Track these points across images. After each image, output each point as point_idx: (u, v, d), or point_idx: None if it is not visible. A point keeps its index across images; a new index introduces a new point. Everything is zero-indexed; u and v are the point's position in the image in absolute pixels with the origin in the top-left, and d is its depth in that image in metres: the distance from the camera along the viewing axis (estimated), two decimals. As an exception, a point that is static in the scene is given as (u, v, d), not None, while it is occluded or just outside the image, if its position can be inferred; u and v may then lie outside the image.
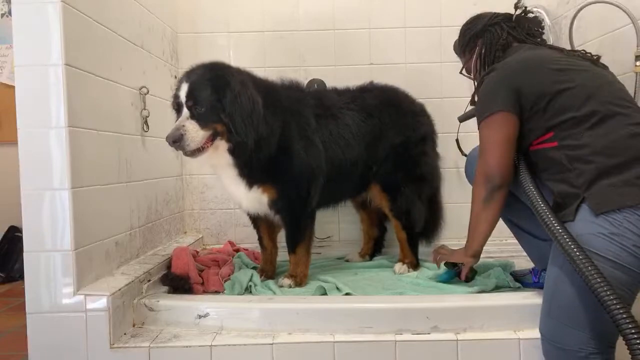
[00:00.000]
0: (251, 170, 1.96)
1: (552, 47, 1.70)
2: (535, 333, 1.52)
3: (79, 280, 1.61)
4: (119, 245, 1.91)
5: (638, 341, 1.17)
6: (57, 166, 1.58)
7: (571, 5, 2.53)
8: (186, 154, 1.83)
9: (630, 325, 1.19)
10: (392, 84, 2.76)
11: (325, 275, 2.15)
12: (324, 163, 2.09)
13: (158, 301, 1.77)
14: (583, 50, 1.70)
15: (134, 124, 2.11)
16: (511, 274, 2.04)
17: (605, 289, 1.23)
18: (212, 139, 1.84)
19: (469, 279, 1.91)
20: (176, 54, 2.76)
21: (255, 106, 1.83)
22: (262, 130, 1.85)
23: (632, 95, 2.03)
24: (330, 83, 2.76)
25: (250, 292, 1.98)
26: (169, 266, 2.10)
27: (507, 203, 1.80)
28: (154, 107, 2.28)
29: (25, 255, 1.60)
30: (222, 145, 1.87)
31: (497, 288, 1.95)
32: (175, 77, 2.71)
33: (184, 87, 1.84)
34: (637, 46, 2.01)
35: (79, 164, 1.64)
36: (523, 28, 1.75)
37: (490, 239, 2.25)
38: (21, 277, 1.82)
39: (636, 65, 2.02)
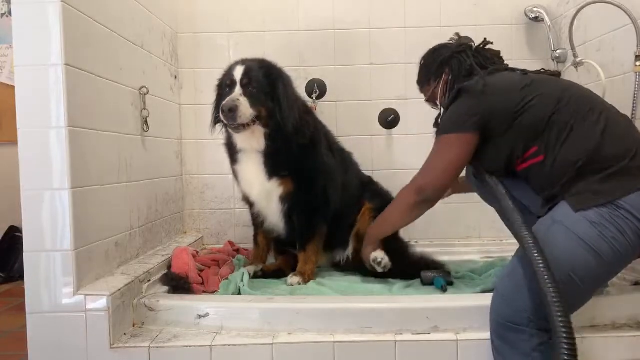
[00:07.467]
0: (277, 161, 2.06)
1: (514, 70, 1.75)
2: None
3: (79, 280, 1.61)
4: (119, 245, 1.91)
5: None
6: (57, 166, 1.58)
7: (571, 5, 2.53)
8: (232, 126, 1.96)
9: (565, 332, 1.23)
10: (391, 84, 2.79)
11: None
12: (340, 176, 2.22)
13: (158, 301, 1.77)
14: (543, 68, 1.77)
15: (134, 124, 2.11)
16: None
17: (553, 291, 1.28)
18: (254, 121, 1.98)
19: (444, 289, 1.95)
20: (176, 54, 2.75)
21: (297, 99, 2.12)
22: (299, 120, 2.03)
23: (632, 95, 2.05)
24: (330, 83, 2.76)
25: (240, 292, 1.96)
26: (169, 266, 2.09)
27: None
28: (154, 107, 2.28)
29: (25, 255, 1.60)
30: (258, 130, 2.02)
31: (498, 288, 1.95)
32: (176, 77, 2.72)
33: (239, 69, 2.00)
34: (637, 46, 2.02)
35: (79, 164, 1.64)
36: (485, 57, 1.80)
37: (490, 239, 2.25)
38: (21, 277, 1.81)
39: (636, 65, 2.03)
